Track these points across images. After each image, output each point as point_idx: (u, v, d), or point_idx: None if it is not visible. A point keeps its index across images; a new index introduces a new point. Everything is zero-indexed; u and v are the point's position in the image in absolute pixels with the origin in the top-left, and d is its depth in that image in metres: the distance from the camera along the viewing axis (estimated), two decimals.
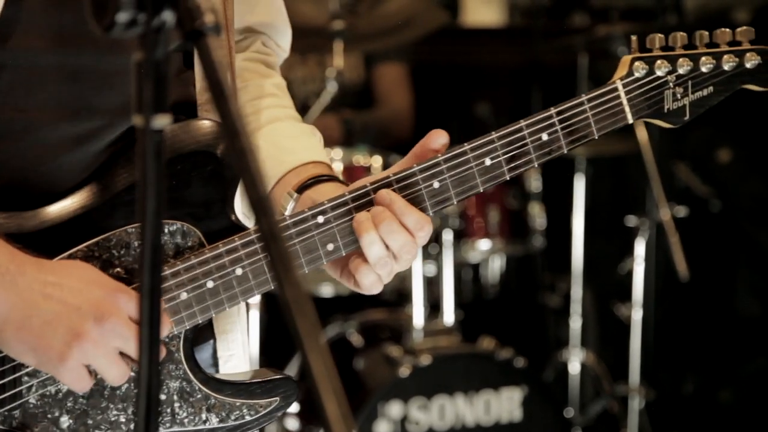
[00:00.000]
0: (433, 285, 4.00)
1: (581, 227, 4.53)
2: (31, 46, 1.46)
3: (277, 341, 3.95)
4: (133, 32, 0.97)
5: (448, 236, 3.88)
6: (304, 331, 0.90)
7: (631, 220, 4.27)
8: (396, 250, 1.52)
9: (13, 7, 1.43)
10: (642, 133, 4.15)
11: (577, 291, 4.54)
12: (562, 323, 4.67)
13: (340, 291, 4.09)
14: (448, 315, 3.88)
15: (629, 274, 4.29)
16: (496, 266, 4.83)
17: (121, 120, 1.50)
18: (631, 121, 1.63)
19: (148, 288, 0.99)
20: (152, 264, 1.00)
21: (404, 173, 1.55)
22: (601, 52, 4.33)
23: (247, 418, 1.55)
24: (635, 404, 4.32)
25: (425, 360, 3.62)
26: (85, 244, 1.47)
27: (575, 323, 4.51)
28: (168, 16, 0.97)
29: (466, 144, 1.57)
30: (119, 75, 1.49)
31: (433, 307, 3.95)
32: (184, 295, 1.49)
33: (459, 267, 4.47)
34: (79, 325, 1.39)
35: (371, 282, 1.55)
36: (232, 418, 1.54)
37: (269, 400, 1.57)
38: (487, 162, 1.57)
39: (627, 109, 1.62)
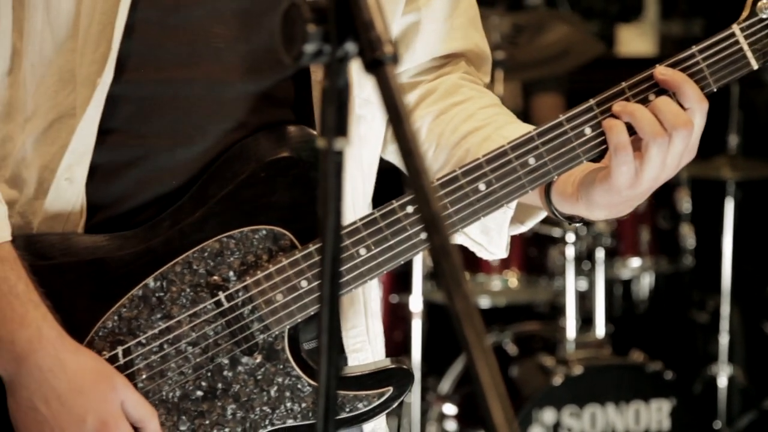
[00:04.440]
0: (585, 299, 3.94)
1: (730, 248, 4.39)
2: (149, 78, 1.47)
3: (437, 348, 3.95)
4: (319, 61, 0.99)
5: (600, 254, 3.82)
6: (472, 341, 0.89)
7: None
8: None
9: (131, 42, 1.44)
10: None
11: (725, 308, 4.40)
12: (711, 339, 4.54)
13: (497, 303, 4.07)
14: (600, 328, 3.81)
15: None
16: (646, 283, 4.73)
17: (228, 142, 1.49)
18: (756, 66, 1.46)
19: (328, 297, 1.00)
20: (332, 274, 1.00)
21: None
22: (752, 81, 4.20)
23: (362, 408, 1.50)
24: None
25: (577, 370, 3.57)
26: (180, 257, 1.46)
27: (723, 339, 4.37)
28: (351, 47, 0.98)
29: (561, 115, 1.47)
30: (231, 102, 1.48)
31: (585, 320, 3.88)
32: (279, 297, 1.46)
33: (610, 283, 4.40)
34: None
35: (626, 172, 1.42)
36: (346, 409, 1.50)
37: (382, 390, 1.51)
38: (587, 132, 1.46)
39: (749, 54, 1.45)
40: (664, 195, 4.13)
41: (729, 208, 4.39)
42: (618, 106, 1.45)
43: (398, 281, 3.95)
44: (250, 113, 1.49)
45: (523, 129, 1.55)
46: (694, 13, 5.57)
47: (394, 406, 1.53)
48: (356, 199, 1.57)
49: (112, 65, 1.43)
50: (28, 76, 1.45)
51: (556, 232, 3.80)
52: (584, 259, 3.84)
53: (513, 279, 3.90)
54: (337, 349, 0.99)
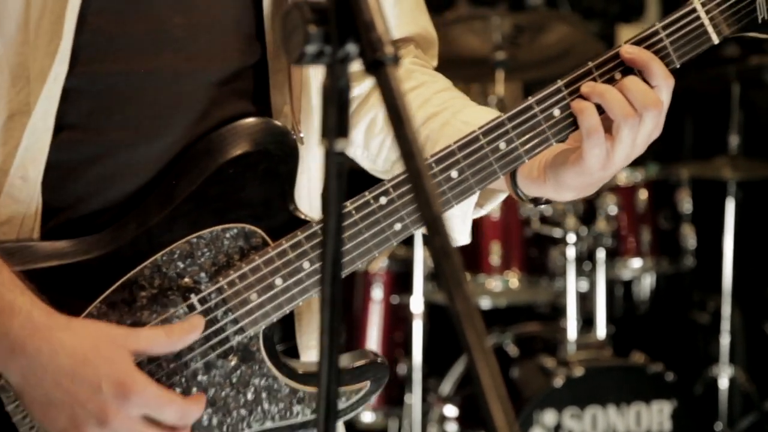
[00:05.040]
0: (586, 300, 3.94)
1: (731, 248, 4.39)
2: (108, 70, 1.41)
3: (439, 349, 3.95)
4: (319, 62, 0.98)
5: (601, 254, 3.81)
6: (473, 342, 0.89)
7: None
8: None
9: (86, 33, 1.39)
10: None
11: (726, 309, 4.40)
12: (712, 340, 4.53)
13: (498, 304, 4.06)
14: (601, 329, 3.81)
15: None
16: (647, 284, 4.73)
17: (191, 136, 1.45)
18: (716, 41, 1.45)
19: (329, 298, 1.00)
20: (332, 276, 1.00)
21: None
22: (753, 82, 4.20)
23: (341, 405, 1.48)
24: None
25: (578, 371, 3.56)
26: (149, 261, 1.41)
27: (724, 340, 4.37)
28: (352, 48, 0.98)
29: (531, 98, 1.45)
30: (193, 93, 1.45)
31: (586, 321, 3.88)
32: (254, 297, 1.43)
33: (611, 284, 4.40)
34: (101, 408, 1.33)
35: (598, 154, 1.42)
36: None
37: (359, 385, 1.49)
38: (555, 113, 1.44)
39: (710, 29, 1.44)
40: (664, 195, 4.13)
41: (730, 208, 4.38)
42: (587, 87, 1.43)
43: (399, 282, 3.95)
44: (211, 105, 1.46)
45: (481, 111, 1.55)
46: None
47: (371, 400, 1.51)
48: (312, 195, 1.55)
49: (65, 57, 1.37)
50: None
51: (556, 232, 3.80)
52: (585, 259, 3.84)
53: (514, 279, 3.90)
54: (337, 350, 0.99)
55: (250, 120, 1.45)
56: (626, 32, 5.53)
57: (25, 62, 1.38)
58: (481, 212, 1.61)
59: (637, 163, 3.95)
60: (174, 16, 1.43)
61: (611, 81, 1.44)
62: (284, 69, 1.51)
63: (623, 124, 1.41)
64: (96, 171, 1.42)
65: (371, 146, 1.65)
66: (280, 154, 1.45)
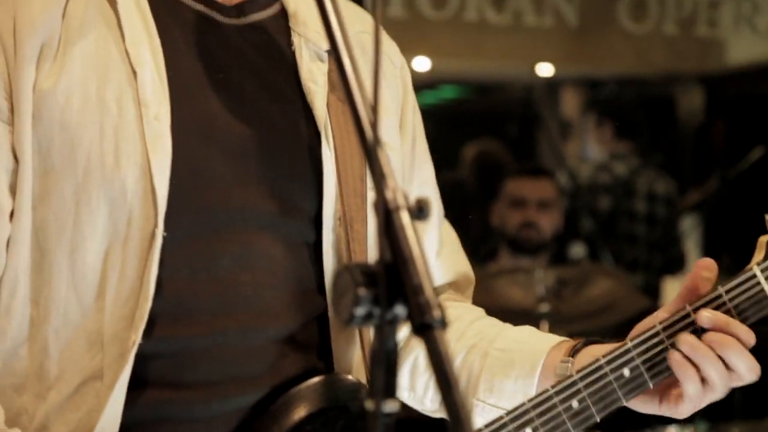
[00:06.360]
0: None
1: None
2: (182, 333, 1.43)
3: None
4: (369, 324, 1.01)
5: None
6: None
7: None
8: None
9: (160, 299, 1.40)
10: None
11: None
12: None
13: None
14: None
15: None
16: None
17: (263, 391, 1.46)
18: None
19: None
20: None
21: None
22: None
23: None
24: None
25: None
26: None
27: None
28: (400, 310, 1.00)
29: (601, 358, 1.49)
30: (261, 349, 1.47)
31: None
32: None
33: None
34: None
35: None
36: None
37: None
38: (626, 373, 1.47)
39: None
40: None
41: None
42: (692, 352, 1.45)
43: None
44: (279, 358, 1.48)
45: (515, 332, 1.61)
46: (739, 269, 5.59)
47: None
48: None
49: (142, 323, 1.39)
50: (51, 343, 1.40)
51: None
52: None
53: None
54: None
55: (329, 376, 1.49)
56: (672, 285, 5.55)
57: (99, 328, 1.40)
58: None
59: (686, 421, 3.87)
60: (241, 274, 1.46)
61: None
62: None
63: (722, 390, 1.45)
64: (170, 429, 1.43)
65: (417, 387, 1.67)
66: (359, 412, 1.47)
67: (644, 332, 1.48)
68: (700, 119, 7.47)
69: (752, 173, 5.41)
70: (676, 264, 5.72)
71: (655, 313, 1.51)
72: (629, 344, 1.48)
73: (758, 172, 5.42)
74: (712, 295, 1.48)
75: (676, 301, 1.50)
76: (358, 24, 1.58)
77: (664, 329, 1.47)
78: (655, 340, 1.47)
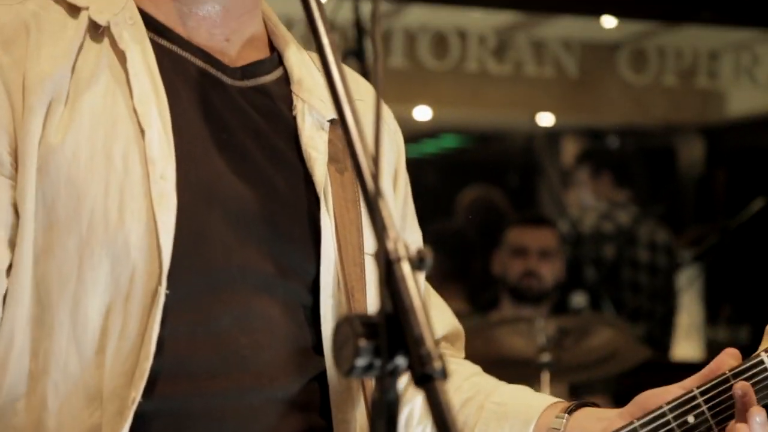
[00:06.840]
0: None
1: None
2: (181, 392, 1.41)
3: None
4: (369, 375, 1.01)
5: None
6: None
7: None
8: None
9: (160, 358, 1.39)
10: None
11: None
12: None
13: None
14: None
15: None
16: None
17: None
18: None
19: None
20: None
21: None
22: None
23: None
24: None
25: None
26: None
27: None
28: (401, 361, 1.00)
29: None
30: (260, 409, 1.46)
31: None
32: None
33: None
34: None
35: None
36: None
37: None
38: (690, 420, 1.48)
39: None
40: None
41: None
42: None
43: None
44: (280, 418, 1.47)
45: (512, 390, 1.62)
46: (740, 319, 5.60)
47: None
48: None
49: (142, 382, 1.37)
50: (50, 397, 1.38)
51: None
52: None
53: None
54: None
55: None
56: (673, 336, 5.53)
57: (98, 383, 1.39)
58: None
59: None
60: (240, 334, 1.45)
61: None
62: (347, 381, 1.55)
63: None
64: None
65: None
66: None
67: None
68: (701, 170, 7.51)
69: (753, 224, 5.42)
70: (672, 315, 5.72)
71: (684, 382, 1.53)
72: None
73: (759, 223, 5.44)
74: (721, 378, 1.49)
75: (692, 381, 1.52)
76: (356, 93, 1.60)
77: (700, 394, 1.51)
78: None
